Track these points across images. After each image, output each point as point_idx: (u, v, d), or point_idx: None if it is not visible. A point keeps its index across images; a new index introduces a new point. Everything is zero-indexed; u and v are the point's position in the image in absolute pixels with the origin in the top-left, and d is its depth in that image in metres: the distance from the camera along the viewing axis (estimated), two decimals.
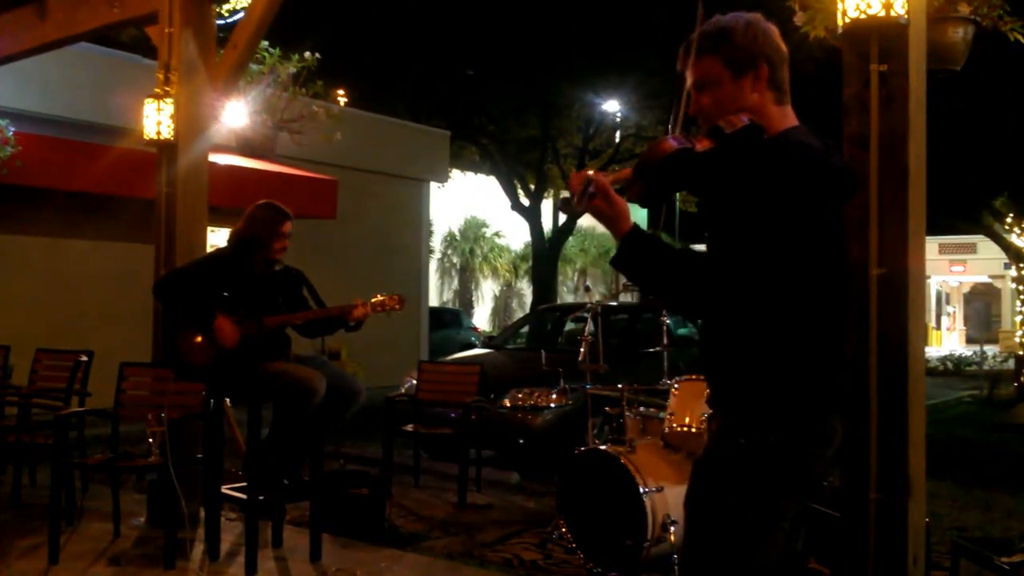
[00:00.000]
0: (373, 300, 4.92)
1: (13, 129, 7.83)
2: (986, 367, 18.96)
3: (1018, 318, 18.20)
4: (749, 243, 2.04)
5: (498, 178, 21.82)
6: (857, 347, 3.28)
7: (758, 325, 2.09)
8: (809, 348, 2.10)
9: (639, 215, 2.34)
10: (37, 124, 9.77)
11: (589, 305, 5.67)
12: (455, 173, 22.94)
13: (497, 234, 27.32)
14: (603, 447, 4.73)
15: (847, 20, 3.25)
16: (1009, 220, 18.88)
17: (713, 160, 2.11)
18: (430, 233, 19.49)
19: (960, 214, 20.69)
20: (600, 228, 2.68)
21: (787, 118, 2.22)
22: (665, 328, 5.49)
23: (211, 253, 5.28)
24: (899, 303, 3.23)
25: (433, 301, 21.69)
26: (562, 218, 20.87)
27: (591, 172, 2.12)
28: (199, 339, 4.70)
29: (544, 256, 20.64)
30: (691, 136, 2.14)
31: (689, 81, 2.24)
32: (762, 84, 2.18)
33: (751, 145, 2.12)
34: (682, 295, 2.17)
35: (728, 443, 2.15)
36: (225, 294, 4.77)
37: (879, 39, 3.25)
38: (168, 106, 5.56)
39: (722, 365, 2.22)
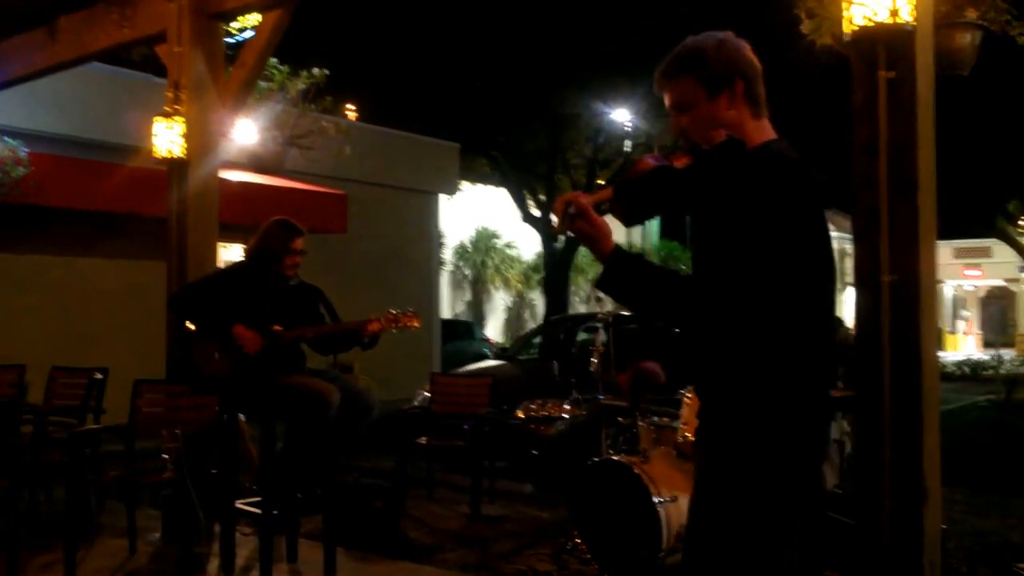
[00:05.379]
0: (388, 315, 4.92)
1: (26, 150, 7.90)
2: (1003, 371, 18.83)
3: None
4: (734, 254, 2.05)
5: (508, 189, 21.83)
6: (870, 354, 3.27)
7: (749, 336, 2.06)
8: (801, 355, 2.08)
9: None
10: (50, 144, 9.83)
11: (600, 315, 5.67)
12: (465, 185, 22.94)
13: (508, 245, 27.30)
14: (616, 457, 4.72)
15: (854, 27, 3.24)
16: (1022, 223, 18.81)
17: (692, 175, 2.17)
18: (441, 245, 19.51)
19: (973, 218, 20.63)
20: None
21: (764, 132, 2.23)
22: None
23: (226, 267, 5.31)
24: (910, 309, 3.22)
25: (445, 313, 21.66)
26: None
27: (571, 194, 2.17)
28: (216, 349, 4.71)
29: (556, 266, 20.63)
30: (670, 155, 2.24)
31: (667, 103, 2.29)
32: (739, 100, 2.20)
33: (730, 159, 2.16)
34: (670, 311, 2.19)
35: (732, 458, 2.11)
36: (240, 306, 4.78)
37: (886, 46, 3.25)
38: (178, 124, 5.60)
39: (716, 376, 2.17)
